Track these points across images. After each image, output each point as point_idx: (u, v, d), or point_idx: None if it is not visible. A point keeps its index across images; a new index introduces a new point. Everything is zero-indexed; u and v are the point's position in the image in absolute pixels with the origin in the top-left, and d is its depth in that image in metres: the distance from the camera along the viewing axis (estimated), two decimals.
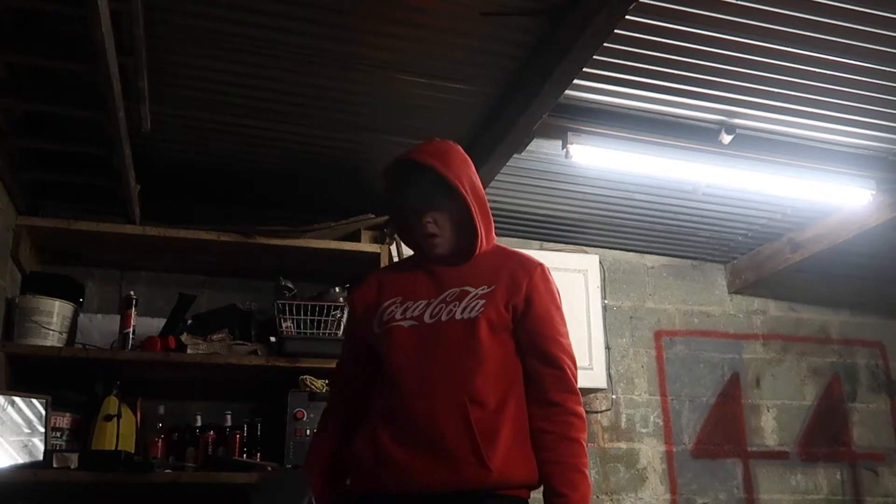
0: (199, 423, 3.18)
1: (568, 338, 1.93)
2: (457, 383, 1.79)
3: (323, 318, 3.15)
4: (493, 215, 2.04)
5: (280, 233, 3.20)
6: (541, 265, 1.97)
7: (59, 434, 2.94)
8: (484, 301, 1.86)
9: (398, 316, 1.91)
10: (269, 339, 3.16)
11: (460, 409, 1.76)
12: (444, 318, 1.87)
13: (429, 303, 1.90)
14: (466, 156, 2.02)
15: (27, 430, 2.78)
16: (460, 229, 1.94)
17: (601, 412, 3.97)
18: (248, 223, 3.20)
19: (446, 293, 1.90)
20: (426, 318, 1.88)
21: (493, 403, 1.79)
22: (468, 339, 1.83)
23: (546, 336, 1.89)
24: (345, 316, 3.11)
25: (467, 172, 1.96)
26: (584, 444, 1.83)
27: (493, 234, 2.03)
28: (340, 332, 3.13)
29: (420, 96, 2.79)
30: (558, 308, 1.95)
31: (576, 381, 1.88)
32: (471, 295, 1.87)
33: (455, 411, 1.76)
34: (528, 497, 1.84)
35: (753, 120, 3.01)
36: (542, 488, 1.82)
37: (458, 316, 1.86)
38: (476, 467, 1.74)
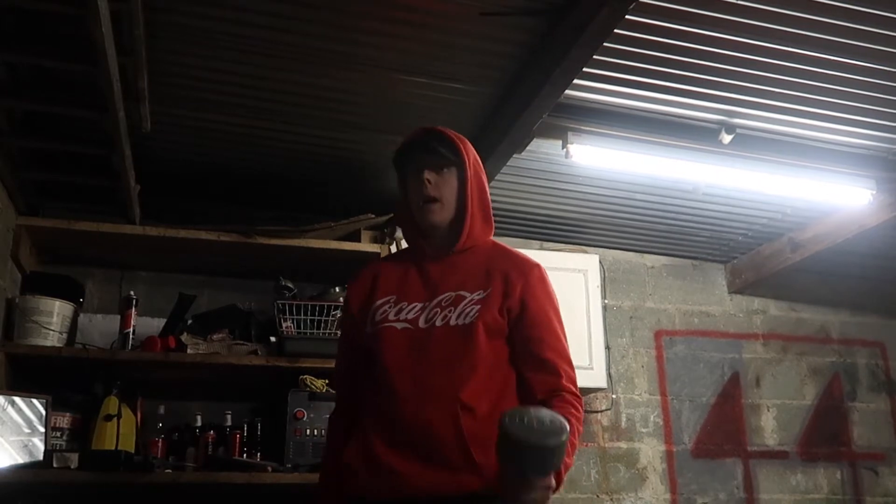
0: (199, 423, 3.18)
1: (565, 342, 1.90)
2: (449, 390, 1.78)
3: (323, 318, 3.15)
4: (494, 215, 2.03)
5: (280, 233, 3.20)
6: (538, 266, 1.94)
7: (59, 434, 2.93)
8: (479, 307, 1.84)
9: (391, 317, 1.89)
10: (269, 339, 3.17)
11: (452, 415, 1.75)
12: (438, 323, 1.85)
13: (424, 306, 1.88)
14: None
15: (27, 430, 2.78)
16: (459, 204, 1.92)
17: (601, 412, 3.97)
18: (248, 223, 3.19)
19: (441, 297, 1.87)
20: (420, 322, 1.86)
21: (484, 410, 1.78)
22: (463, 345, 1.81)
23: (542, 341, 1.86)
24: None
25: (476, 157, 1.97)
26: (574, 446, 1.76)
27: (492, 228, 2.01)
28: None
29: (420, 96, 2.79)
30: (556, 311, 1.92)
31: (575, 386, 1.86)
32: (466, 300, 1.86)
33: (447, 418, 1.76)
34: None
35: (753, 120, 3.01)
36: None
37: (452, 322, 1.84)
38: (469, 473, 1.73)
